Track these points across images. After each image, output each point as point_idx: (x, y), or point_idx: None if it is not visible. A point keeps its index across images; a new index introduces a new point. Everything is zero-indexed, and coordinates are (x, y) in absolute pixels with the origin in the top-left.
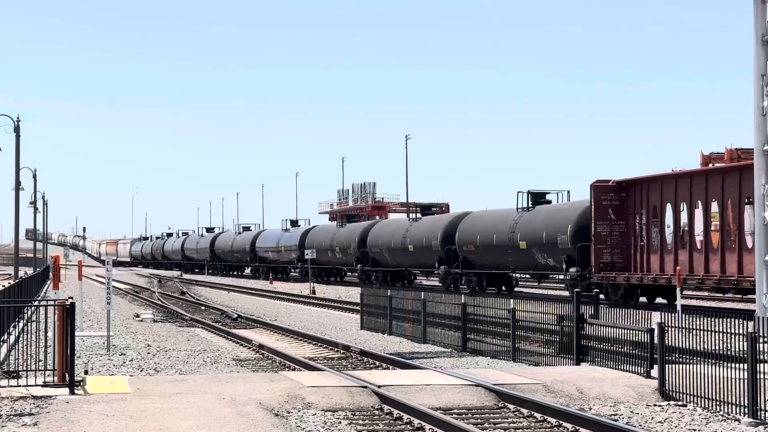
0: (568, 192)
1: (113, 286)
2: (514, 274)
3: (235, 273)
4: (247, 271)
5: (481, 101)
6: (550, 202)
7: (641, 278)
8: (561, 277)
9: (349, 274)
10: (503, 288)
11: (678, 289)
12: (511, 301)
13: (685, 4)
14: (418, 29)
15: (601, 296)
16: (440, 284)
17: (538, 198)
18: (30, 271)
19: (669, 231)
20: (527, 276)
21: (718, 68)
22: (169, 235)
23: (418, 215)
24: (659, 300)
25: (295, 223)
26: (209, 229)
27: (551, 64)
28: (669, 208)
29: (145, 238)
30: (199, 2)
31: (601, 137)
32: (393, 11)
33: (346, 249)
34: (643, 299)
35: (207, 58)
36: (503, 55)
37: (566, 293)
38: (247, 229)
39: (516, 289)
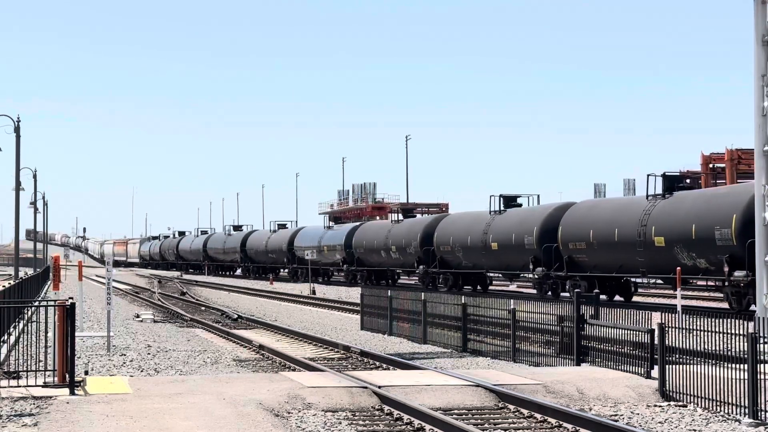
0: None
1: (113, 287)
2: (640, 279)
3: (269, 276)
4: (283, 273)
5: (481, 101)
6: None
7: None
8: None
9: (405, 276)
10: (619, 296)
11: (678, 289)
12: (511, 301)
13: (685, 5)
14: (418, 29)
15: None
16: (536, 290)
17: (674, 185)
18: (30, 271)
19: None
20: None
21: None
22: (182, 233)
23: (501, 207)
24: None
25: (283, 226)
26: (237, 227)
27: (551, 65)
28: None
29: (155, 238)
30: (200, 3)
31: (601, 137)
32: (393, 11)
33: (405, 248)
34: None
35: (207, 59)
36: (503, 55)
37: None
38: (282, 226)
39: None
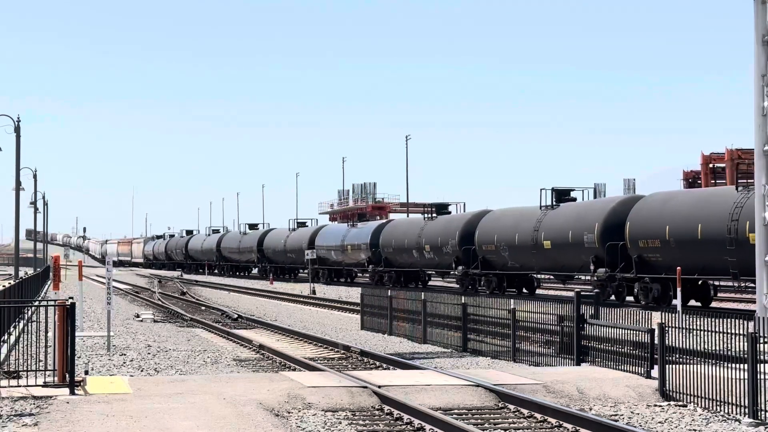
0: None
1: (113, 287)
2: (730, 282)
3: (288, 276)
4: (303, 273)
5: (482, 101)
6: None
7: None
8: None
9: (438, 278)
10: (695, 300)
11: (678, 289)
12: (511, 301)
13: (686, 5)
14: (418, 29)
15: None
16: (595, 293)
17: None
18: (30, 271)
19: None
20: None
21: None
22: (189, 232)
23: (553, 201)
24: None
25: (302, 224)
26: (252, 225)
27: (551, 65)
28: None
29: (159, 237)
30: (200, 3)
31: (601, 137)
32: (393, 12)
33: (441, 247)
34: None
35: (207, 59)
36: (503, 55)
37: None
38: (302, 224)
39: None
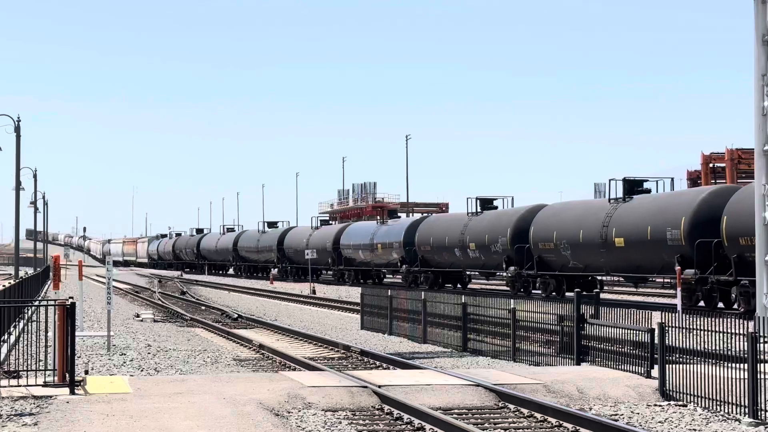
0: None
1: (113, 286)
2: None
3: (312, 277)
4: (327, 275)
5: (482, 101)
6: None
7: None
8: None
9: (482, 279)
10: None
11: (678, 289)
12: (512, 301)
13: (686, 5)
14: (418, 29)
15: None
16: (680, 297)
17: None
18: (30, 271)
19: None
20: None
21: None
22: (200, 230)
23: (624, 194)
24: None
25: (325, 222)
26: (271, 224)
27: (551, 65)
28: None
29: (164, 236)
30: (200, 3)
31: (601, 137)
32: (393, 12)
33: (489, 246)
34: None
35: (208, 59)
36: (503, 55)
37: None
38: (326, 222)
39: None
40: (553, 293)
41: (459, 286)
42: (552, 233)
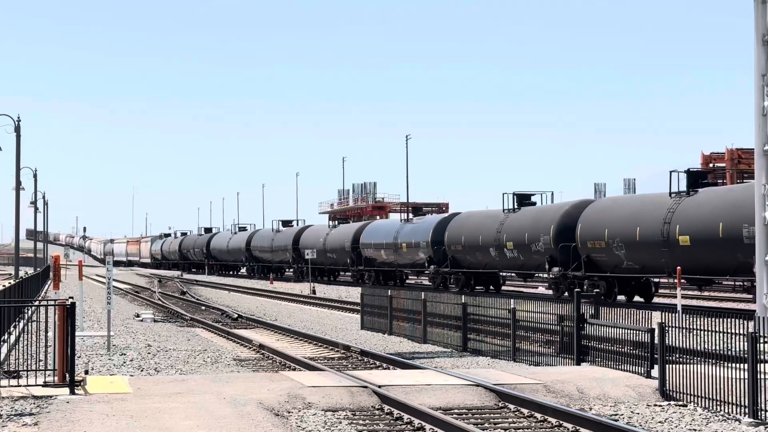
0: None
1: (113, 286)
2: None
3: (327, 279)
4: (345, 275)
5: (481, 101)
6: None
7: None
8: None
9: (519, 281)
10: None
11: (678, 289)
12: (511, 301)
13: (685, 4)
14: (418, 29)
15: None
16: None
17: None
18: (30, 271)
19: None
20: None
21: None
22: (208, 230)
23: (687, 188)
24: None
25: (344, 221)
26: (286, 222)
27: (551, 64)
28: None
29: (167, 235)
30: (200, 3)
31: (601, 137)
32: (393, 11)
33: (529, 245)
34: None
35: (208, 59)
36: (503, 55)
37: None
38: (344, 221)
39: None
40: (604, 297)
41: (492, 288)
42: (603, 231)
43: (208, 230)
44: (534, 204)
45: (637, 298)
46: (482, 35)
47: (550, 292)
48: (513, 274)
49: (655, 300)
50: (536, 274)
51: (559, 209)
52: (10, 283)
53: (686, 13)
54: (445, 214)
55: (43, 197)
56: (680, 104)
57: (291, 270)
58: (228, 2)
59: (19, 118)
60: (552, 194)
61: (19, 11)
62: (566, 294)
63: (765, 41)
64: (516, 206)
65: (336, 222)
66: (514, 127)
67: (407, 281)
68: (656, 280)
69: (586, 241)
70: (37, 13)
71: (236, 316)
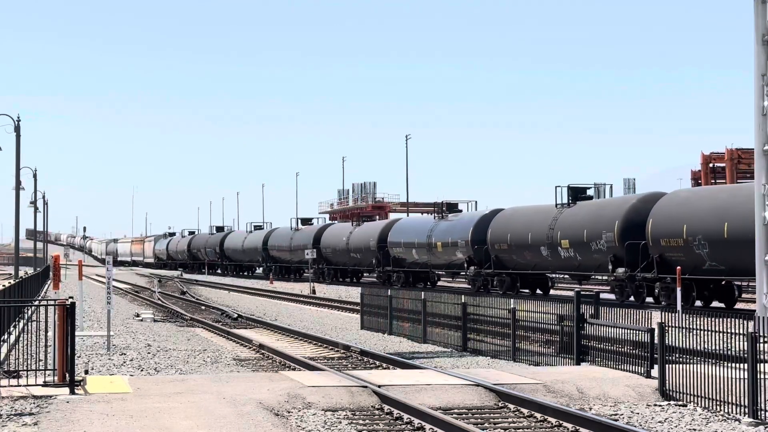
0: None
1: (113, 286)
2: None
3: (350, 280)
4: (370, 276)
5: (481, 101)
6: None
7: None
8: None
9: (573, 282)
10: None
11: (678, 289)
12: (511, 300)
13: (686, 5)
14: (418, 29)
15: None
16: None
17: None
18: (30, 270)
19: None
20: None
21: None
22: (220, 228)
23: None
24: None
25: (368, 219)
26: (305, 220)
27: (551, 64)
28: None
29: (171, 234)
30: (200, 3)
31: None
32: (393, 11)
33: (588, 243)
34: None
35: (208, 59)
36: (503, 55)
37: None
38: (368, 219)
39: None
40: (682, 302)
41: (540, 291)
42: (681, 227)
43: (219, 229)
44: (590, 198)
45: (715, 303)
46: (482, 35)
47: (612, 296)
48: (565, 276)
49: (739, 305)
50: (594, 275)
51: (624, 203)
52: (10, 282)
53: (686, 13)
54: (485, 211)
55: (43, 197)
56: (680, 104)
57: (312, 270)
58: (228, 2)
59: (19, 118)
60: (611, 187)
61: (19, 11)
62: (631, 298)
63: (765, 41)
64: (570, 200)
65: (360, 220)
66: (514, 127)
67: (439, 283)
68: (738, 282)
69: (659, 238)
70: (37, 13)
71: (236, 315)
